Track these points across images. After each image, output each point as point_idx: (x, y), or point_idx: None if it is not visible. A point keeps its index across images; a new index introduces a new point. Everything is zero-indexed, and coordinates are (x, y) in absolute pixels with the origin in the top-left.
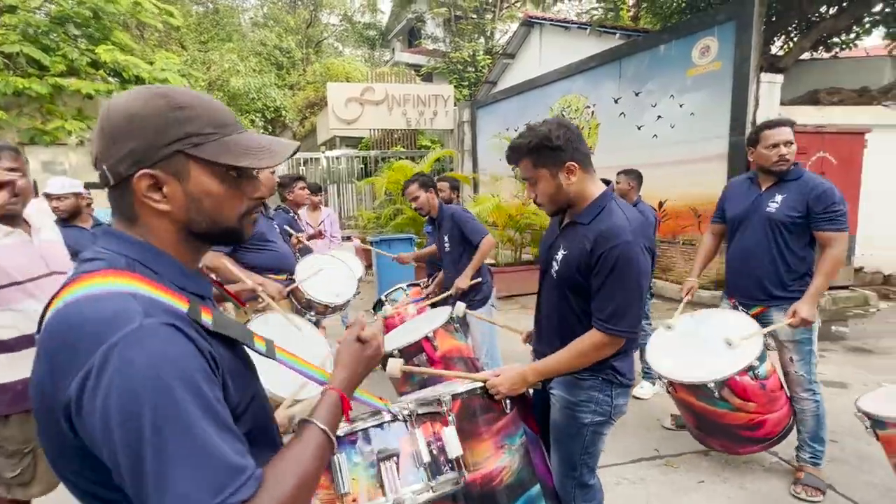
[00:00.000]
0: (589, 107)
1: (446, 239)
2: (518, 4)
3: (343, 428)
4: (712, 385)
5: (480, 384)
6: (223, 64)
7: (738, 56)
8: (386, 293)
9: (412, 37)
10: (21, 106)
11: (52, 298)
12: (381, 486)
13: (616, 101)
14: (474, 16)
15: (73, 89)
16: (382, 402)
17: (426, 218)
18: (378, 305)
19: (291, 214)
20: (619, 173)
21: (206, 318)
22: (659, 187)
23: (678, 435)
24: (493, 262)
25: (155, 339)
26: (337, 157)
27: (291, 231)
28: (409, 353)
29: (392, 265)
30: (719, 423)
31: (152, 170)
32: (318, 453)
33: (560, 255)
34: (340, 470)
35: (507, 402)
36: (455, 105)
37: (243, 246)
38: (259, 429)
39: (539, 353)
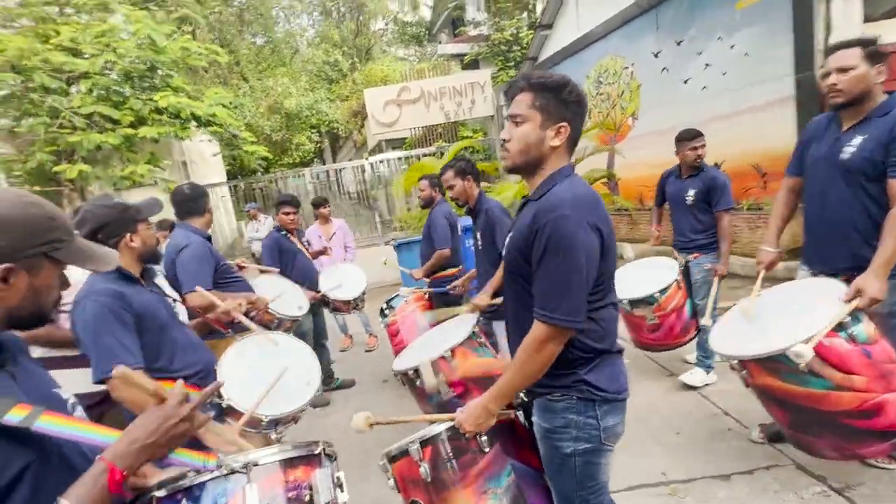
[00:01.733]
0: (627, 67)
1: (479, 236)
2: None
3: (166, 485)
4: (797, 351)
5: (448, 424)
6: (277, 88)
7: None
8: (387, 300)
9: (455, 26)
10: (105, 158)
11: None
12: None
13: (656, 56)
14: None
15: (142, 136)
16: (207, 459)
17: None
18: (383, 313)
19: (283, 233)
20: (695, 136)
21: None
22: (712, 146)
23: (694, 450)
24: None
25: None
26: (380, 161)
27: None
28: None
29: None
30: (819, 411)
31: (12, 264)
32: None
33: (509, 237)
34: None
35: (484, 438)
36: (492, 89)
37: (217, 282)
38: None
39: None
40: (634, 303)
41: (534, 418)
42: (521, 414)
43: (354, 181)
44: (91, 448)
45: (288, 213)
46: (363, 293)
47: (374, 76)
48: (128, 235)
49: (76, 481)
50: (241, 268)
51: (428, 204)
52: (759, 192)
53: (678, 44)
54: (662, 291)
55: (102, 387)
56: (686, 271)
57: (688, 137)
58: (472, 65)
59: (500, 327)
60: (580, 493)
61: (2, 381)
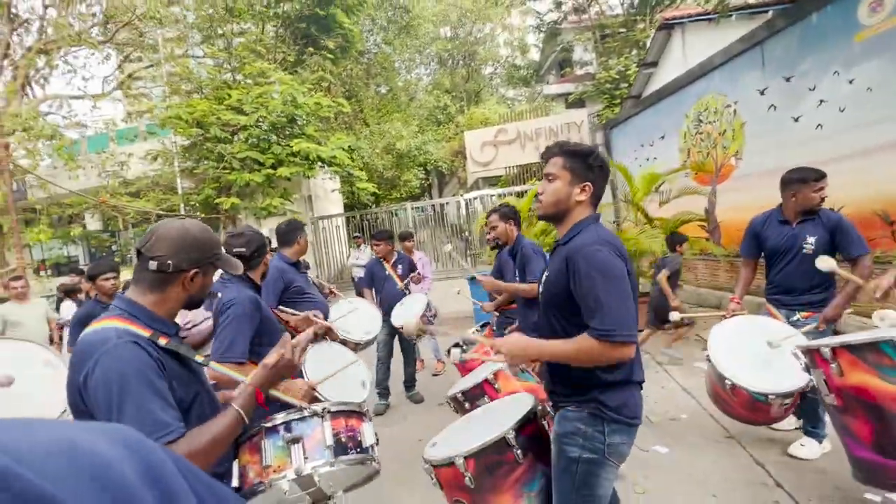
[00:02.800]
0: (730, 105)
1: (517, 273)
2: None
3: (269, 422)
4: None
5: (531, 406)
6: (391, 132)
7: None
8: (462, 338)
9: (562, 67)
10: (252, 193)
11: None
12: (290, 460)
13: (762, 93)
14: (623, 30)
15: (279, 175)
16: (301, 403)
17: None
18: (455, 349)
19: (379, 261)
20: (820, 178)
21: (163, 341)
22: (828, 190)
23: None
24: None
25: (121, 349)
26: (474, 198)
27: (324, 283)
28: (472, 395)
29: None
30: None
31: (199, 269)
32: (230, 425)
33: (544, 277)
34: (264, 450)
35: (519, 452)
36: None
37: (289, 299)
38: (203, 414)
39: (547, 391)
40: (779, 394)
41: (553, 427)
42: (546, 424)
43: (456, 215)
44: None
45: (377, 244)
46: (365, 342)
47: (475, 119)
48: (267, 255)
49: (236, 396)
50: (331, 293)
51: (496, 246)
52: (888, 243)
53: (787, 80)
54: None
55: None
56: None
57: (812, 178)
58: (577, 103)
59: None
60: (576, 498)
61: (180, 342)
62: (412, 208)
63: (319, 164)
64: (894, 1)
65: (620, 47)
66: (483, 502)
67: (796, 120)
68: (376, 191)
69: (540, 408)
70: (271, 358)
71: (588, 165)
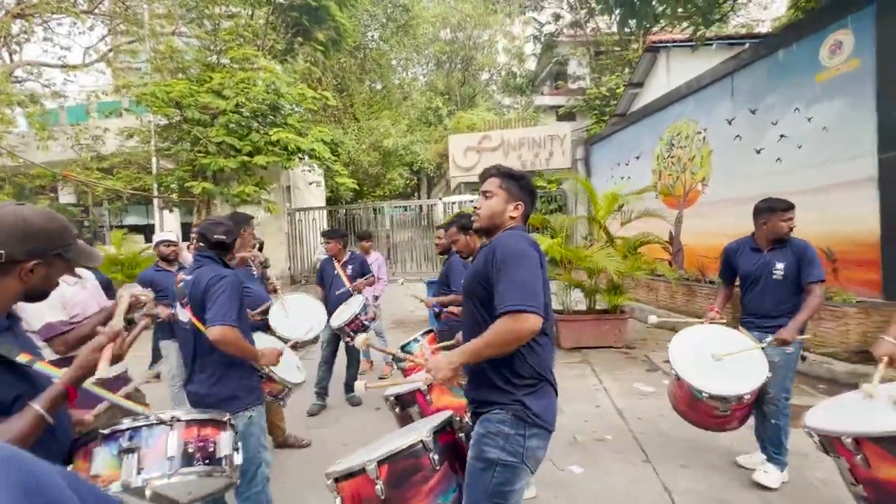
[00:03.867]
0: (700, 132)
1: None
2: (670, 28)
3: (111, 427)
4: None
5: (448, 415)
6: (380, 129)
7: (883, 46)
8: (402, 345)
9: (558, 79)
10: (227, 179)
11: None
12: (121, 472)
13: (730, 123)
14: (617, 48)
15: (254, 164)
16: (145, 409)
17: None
18: (396, 360)
19: (329, 259)
20: (788, 208)
21: None
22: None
23: None
24: (559, 307)
25: None
26: (453, 203)
27: (273, 280)
28: (404, 401)
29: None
30: None
31: (41, 260)
32: (24, 427)
33: (468, 270)
34: (95, 458)
35: (436, 458)
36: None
37: None
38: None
39: (470, 399)
40: (715, 397)
41: (474, 431)
42: (463, 436)
43: (442, 218)
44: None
45: (328, 243)
46: (303, 341)
47: (462, 123)
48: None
49: (41, 394)
50: (274, 290)
51: (446, 251)
52: (829, 280)
53: (753, 112)
54: (753, 392)
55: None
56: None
57: (780, 208)
58: (568, 117)
59: None
60: (485, 502)
61: (12, 339)
62: (391, 207)
63: (299, 155)
64: (852, 45)
65: (613, 65)
66: None
67: (758, 152)
68: (356, 187)
69: (457, 419)
70: (86, 352)
71: (521, 187)
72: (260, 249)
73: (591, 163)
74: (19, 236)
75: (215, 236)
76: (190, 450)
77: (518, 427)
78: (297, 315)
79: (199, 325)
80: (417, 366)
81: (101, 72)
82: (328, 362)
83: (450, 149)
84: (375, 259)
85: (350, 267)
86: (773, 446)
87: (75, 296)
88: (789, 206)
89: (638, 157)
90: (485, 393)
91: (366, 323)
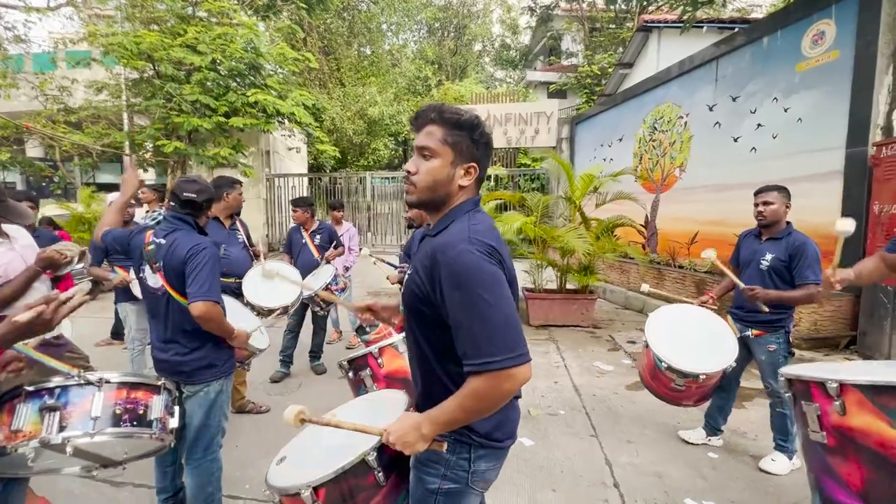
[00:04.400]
0: (682, 117)
1: None
2: (667, 7)
3: (36, 385)
4: None
5: (377, 438)
6: (365, 96)
7: (862, 39)
8: (362, 321)
9: (552, 54)
10: (202, 140)
11: None
12: (42, 428)
13: (711, 109)
14: (612, 26)
15: (231, 125)
16: (72, 370)
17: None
18: (360, 330)
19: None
20: (768, 190)
21: None
22: (751, 212)
23: None
24: (531, 286)
25: None
26: None
27: (257, 245)
28: (357, 365)
29: None
30: None
31: None
32: None
33: (407, 275)
34: (18, 413)
35: (381, 474)
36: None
37: None
38: None
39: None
40: (673, 370)
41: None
42: None
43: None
44: None
45: (295, 211)
46: (276, 309)
47: (449, 95)
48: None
49: None
50: (257, 255)
51: (412, 225)
52: None
53: (734, 99)
54: (710, 376)
55: None
56: (742, 344)
57: (755, 192)
58: (559, 94)
59: None
60: None
61: None
62: (373, 178)
63: (278, 119)
64: (834, 35)
65: (607, 43)
66: None
67: (736, 140)
68: (338, 155)
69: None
70: (26, 315)
71: (474, 141)
72: (237, 215)
73: (576, 142)
74: None
75: (185, 194)
76: (118, 411)
77: (460, 451)
78: (270, 286)
79: (172, 292)
80: (380, 337)
81: (69, 17)
82: (294, 331)
83: None
84: (347, 230)
85: (318, 237)
86: (780, 434)
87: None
88: (759, 191)
89: (621, 140)
90: (425, 407)
91: (336, 293)
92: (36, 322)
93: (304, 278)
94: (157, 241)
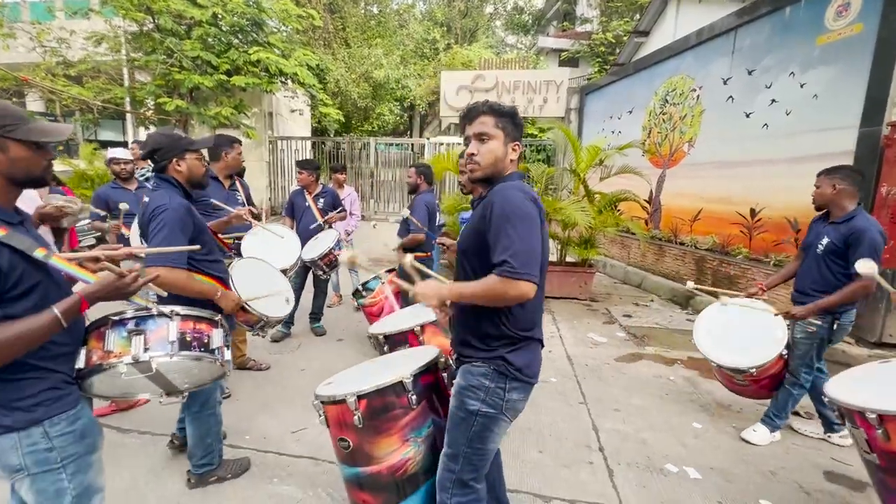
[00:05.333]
0: (695, 90)
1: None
2: None
3: (119, 315)
4: None
5: (414, 367)
6: (371, 58)
7: (889, 12)
8: (363, 282)
9: (565, 19)
10: (205, 99)
11: None
12: (131, 348)
13: (725, 82)
14: None
15: (233, 84)
16: (149, 303)
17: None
18: (356, 294)
19: (300, 190)
20: (820, 174)
21: (2, 233)
22: (758, 190)
23: None
24: None
25: None
26: (441, 144)
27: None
28: (395, 341)
29: None
30: None
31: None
32: (43, 325)
33: (464, 227)
34: (107, 338)
35: (414, 397)
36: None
37: (204, 212)
38: (44, 304)
39: (455, 344)
40: (725, 367)
41: (455, 379)
42: (446, 376)
43: (429, 159)
44: (67, 282)
45: (301, 173)
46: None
47: (457, 60)
48: (174, 160)
49: (60, 301)
50: (255, 216)
51: (413, 190)
52: (791, 249)
53: (749, 73)
54: (759, 367)
55: None
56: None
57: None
58: (571, 62)
59: None
60: (467, 449)
61: (26, 233)
62: (378, 144)
63: (281, 79)
64: (860, 6)
65: (624, 9)
66: (369, 442)
67: (748, 115)
68: (342, 119)
69: (443, 359)
70: (110, 278)
71: (516, 124)
72: (241, 176)
73: (585, 113)
74: None
75: (147, 147)
76: (188, 338)
77: (498, 381)
78: (270, 246)
79: None
80: (377, 303)
81: None
82: (295, 292)
83: (441, 86)
84: (349, 194)
85: (322, 200)
86: (774, 409)
87: None
88: (821, 172)
89: (631, 112)
90: (468, 342)
91: (339, 257)
92: (116, 287)
93: (306, 241)
94: (145, 199)
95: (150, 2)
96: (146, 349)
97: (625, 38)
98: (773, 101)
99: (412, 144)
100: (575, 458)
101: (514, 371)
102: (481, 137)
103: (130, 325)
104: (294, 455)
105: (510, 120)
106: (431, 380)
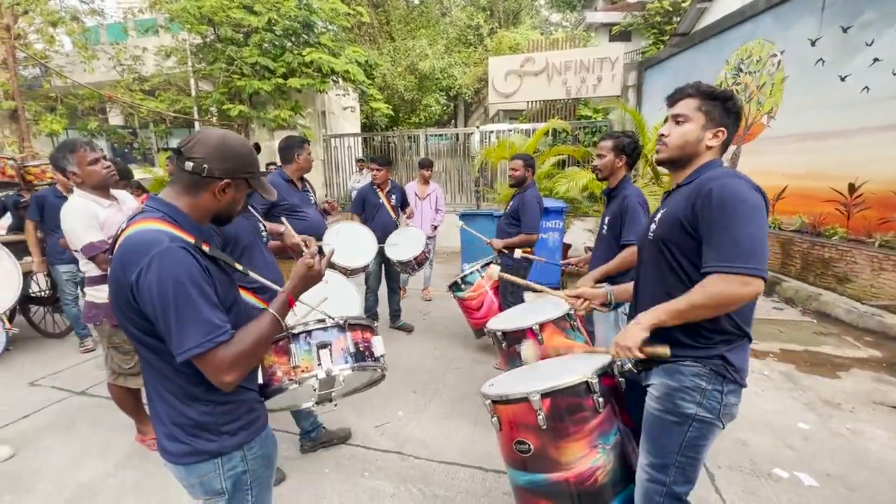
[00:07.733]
0: (775, 55)
1: (606, 221)
2: None
3: (298, 328)
4: None
5: (598, 366)
6: (416, 49)
7: None
8: (462, 275)
9: None
10: (263, 102)
11: (120, 233)
12: (319, 363)
13: (814, 44)
14: None
15: (289, 86)
16: (326, 312)
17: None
18: (454, 286)
19: (374, 187)
20: None
21: (205, 248)
22: (855, 163)
23: None
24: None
25: (175, 254)
26: (491, 132)
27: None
28: (511, 338)
29: (475, 241)
30: None
31: (233, 180)
32: (269, 328)
33: (658, 217)
34: (293, 353)
35: (600, 400)
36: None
37: (277, 215)
38: (240, 318)
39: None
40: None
41: (653, 381)
42: (623, 381)
43: (479, 148)
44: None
45: (372, 170)
46: (354, 269)
47: (504, 44)
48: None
49: (273, 302)
50: (332, 209)
51: (519, 184)
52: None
53: (844, 30)
54: None
55: None
56: None
57: None
58: (622, 36)
59: (600, 318)
60: (679, 457)
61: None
62: (428, 135)
63: (333, 77)
64: None
65: None
66: (553, 445)
67: (843, 79)
68: (391, 113)
69: (618, 362)
70: (301, 268)
71: (726, 109)
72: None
73: (644, 90)
74: (221, 155)
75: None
76: (361, 348)
77: (716, 383)
78: (349, 243)
79: None
80: (476, 296)
81: None
82: (374, 290)
83: (489, 72)
84: (433, 189)
85: (393, 197)
86: None
87: (110, 217)
88: None
89: None
90: (682, 338)
91: (428, 255)
92: (311, 275)
93: (383, 239)
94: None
95: (212, 14)
96: (333, 361)
97: (684, 6)
98: (876, 59)
99: (459, 135)
100: None
101: (733, 373)
102: (677, 119)
103: (318, 338)
104: (381, 449)
105: (720, 104)
106: (612, 383)
